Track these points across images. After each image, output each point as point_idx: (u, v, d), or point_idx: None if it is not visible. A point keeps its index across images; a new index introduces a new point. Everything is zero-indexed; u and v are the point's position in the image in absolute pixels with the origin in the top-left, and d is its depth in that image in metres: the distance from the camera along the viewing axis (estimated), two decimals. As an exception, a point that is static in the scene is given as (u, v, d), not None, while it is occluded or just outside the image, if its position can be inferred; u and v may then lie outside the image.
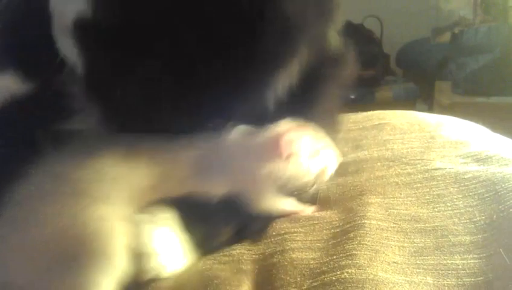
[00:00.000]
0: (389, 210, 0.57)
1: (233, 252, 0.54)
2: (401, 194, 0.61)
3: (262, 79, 0.47)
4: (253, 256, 0.54)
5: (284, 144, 0.50)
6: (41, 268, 0.49)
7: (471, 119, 0.62)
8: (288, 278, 0.48)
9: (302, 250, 0.53)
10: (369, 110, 0.92)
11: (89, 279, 0.48)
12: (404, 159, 0.67)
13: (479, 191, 0.58)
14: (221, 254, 0.54)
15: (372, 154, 0.73)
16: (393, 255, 0.50)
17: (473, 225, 0.53)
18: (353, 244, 0.51)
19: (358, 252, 0.50)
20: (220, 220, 0.53)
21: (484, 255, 0.48)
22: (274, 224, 0.57)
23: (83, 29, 0.43)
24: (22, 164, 0.45)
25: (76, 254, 0.48)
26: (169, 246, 0.51)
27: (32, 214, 0.50)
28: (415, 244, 0.52)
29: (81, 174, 0.49)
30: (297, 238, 0.54)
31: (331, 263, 0.49)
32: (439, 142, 0.72)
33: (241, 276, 0.50)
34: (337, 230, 0.55)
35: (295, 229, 0.56)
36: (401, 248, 0.52)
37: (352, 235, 0.53)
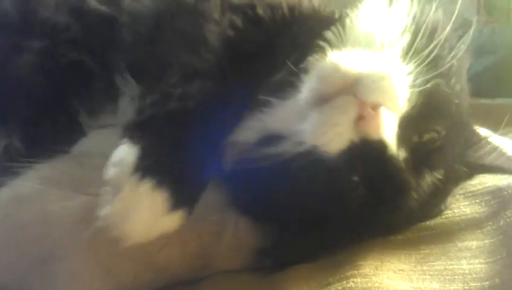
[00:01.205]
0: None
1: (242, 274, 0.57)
2: (407, 203, 0.62)
3: None
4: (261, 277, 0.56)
5: None
6: (25, 268, 0.51)
7: (475, 121, 0.63)
8: (294, 289, 0.50)
9: (309, 263, 0.54)
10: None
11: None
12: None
13: (485, 198, 0.59)
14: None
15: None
16: (399, 263, 0.51)
17: (479, 231, 0.55)
18: (359, 256, 0.53)
19: (364, 262, 0.51)
20: None
21: (491, 260, 0.50)
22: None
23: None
24: None
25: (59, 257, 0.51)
26: None
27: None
28: (422, 251, 0.53)
29: None
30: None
31: (337, 274, 0.50)
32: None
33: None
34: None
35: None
36: (407, 255, 0.53)
37: (357, 249, 0.54)
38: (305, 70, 0.53)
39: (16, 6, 0.68)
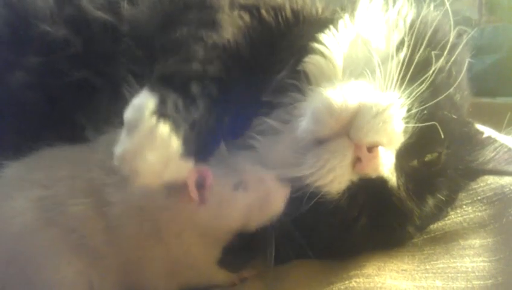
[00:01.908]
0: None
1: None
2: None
3: None
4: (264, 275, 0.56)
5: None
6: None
7: (476, 120, 0.63)
8: (298, 287, 0.51)
9: (312, 263, 0.55)
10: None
11: None
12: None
13: (487, 195, 0.60)
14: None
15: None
16: (402, 264, 0.52)
17: (482, 229, 0.55)
18: (362, 257, 0.54)
19: (367, 263, 0.52)
20: None
21: (494, 258, 0.50)
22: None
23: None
24: None
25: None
26: None
27: None
28: (425, 252, 0.54)
29: None
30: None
31: (340, 273, 0.51)
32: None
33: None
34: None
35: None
36: (410, 257, 0.54)
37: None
38: (303, 74, 0.55)
39: (5, 19, 0.66)
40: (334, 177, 0.49)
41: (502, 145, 0.59)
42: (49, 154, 0.59)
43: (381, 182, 0.50)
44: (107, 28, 0.64)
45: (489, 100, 1.04)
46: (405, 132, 0.50)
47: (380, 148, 0.48)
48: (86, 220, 0.53)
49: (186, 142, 0.48)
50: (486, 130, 0.62)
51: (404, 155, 0.51)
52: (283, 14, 0.60)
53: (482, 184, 0.61)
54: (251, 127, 0.57)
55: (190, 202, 0.50)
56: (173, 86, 0.51)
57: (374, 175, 0.49)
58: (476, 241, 0.53)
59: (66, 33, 0.64)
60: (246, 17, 0.59)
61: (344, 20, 0.58)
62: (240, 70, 0.56)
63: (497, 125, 0.62)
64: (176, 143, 0.48)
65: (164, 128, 0.47)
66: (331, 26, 0.57)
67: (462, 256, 0.51)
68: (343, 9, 0.60)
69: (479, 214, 0.58)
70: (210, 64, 0.54)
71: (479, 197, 0.60)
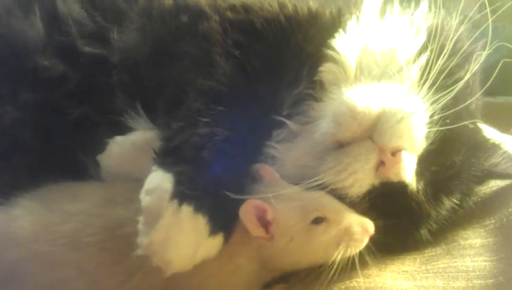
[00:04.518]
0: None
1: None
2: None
3: None
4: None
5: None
6: None
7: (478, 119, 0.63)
8: (298, 287, 0.51)
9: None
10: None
11: None
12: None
13: (488, 195, 0.60)
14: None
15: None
16: (403, 266, 0.53)
17: (483, 229, 0.56)
18: (364, 259, 0.53)
19: (368, 265, 0.52)
20: None
21: (495, 257, 0.51)
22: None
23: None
24: None
25: None
26: None
27: None
28: (426, 254, 0.55)
29: None
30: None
31: (341, 274, 0.51)
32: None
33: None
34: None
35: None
36: (412, 259, 0.54)
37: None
38: (320, 83, 0.55)
39: None
40: (355, 180, 0.49)
41: (506, 152, 0.60)
42: (56, 189, 0.57)
43: (402, 186, 0.50)
44: (99, 61, 0.63)
45: (490, 99, 1.04)
46: (427, 137, 0.51)
47: (403, 152, 0.49)
48: (102, 263, 0.51)
49: (212, 218, 0.46)
50: (486, 129, 0.62)
51: (424, 160, 0.52)
52: (277, 23, 0.59)
53: (483, 186, 0.61)
54: (271, 138, 0.56)
55: (258, 238, 0.49)
56: (184, 158, 0.49)
57: (396, 179, 0.49)
58: (476, 241, 0.54)
59: (60, 67, 0.62)
60: (241, 37, 0.58)
61: (352, 22, 0.57)
62: (246, 102, 0.55)
63: (498, 124, 0.62)
64: (202, 223, 0.46)
65: (188, 211, 0.45)
66: (340, 30, 0.57)
67: (463, 256, 0.51)
68: (347, 9, 0.60)
69: (480, 214, 0.58)
70: (216, 126, 0.51)
71: (479, 199, 0.60)
